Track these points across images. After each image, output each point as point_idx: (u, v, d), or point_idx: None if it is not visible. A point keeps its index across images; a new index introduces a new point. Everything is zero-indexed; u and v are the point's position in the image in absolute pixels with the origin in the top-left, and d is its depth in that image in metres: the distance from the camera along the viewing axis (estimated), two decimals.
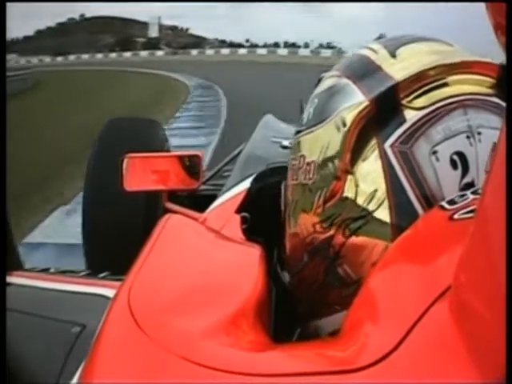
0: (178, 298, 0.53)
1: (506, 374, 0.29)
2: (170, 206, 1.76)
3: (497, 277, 0.31)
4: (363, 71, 0.60)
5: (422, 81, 0.56)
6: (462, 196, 0.50)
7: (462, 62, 0.58)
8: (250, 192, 1.21)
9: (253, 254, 0.65)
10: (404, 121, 0.56)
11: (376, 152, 0.56)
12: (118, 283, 0.60)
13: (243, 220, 1.00)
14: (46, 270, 1.07)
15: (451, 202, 0.49)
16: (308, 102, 0.67)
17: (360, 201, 0.56)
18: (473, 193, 0.49)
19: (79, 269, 1.42)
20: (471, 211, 0.44)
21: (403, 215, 0.54)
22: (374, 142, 0.56)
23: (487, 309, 0.32)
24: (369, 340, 0.40)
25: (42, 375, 0.70)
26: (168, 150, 2.34)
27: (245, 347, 0.46)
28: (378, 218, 0.55)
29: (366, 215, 0.56)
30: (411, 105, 0.56)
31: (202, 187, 1.75)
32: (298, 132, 0.67)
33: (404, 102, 0.56)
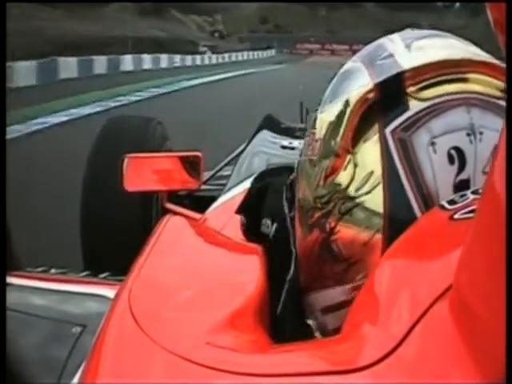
0: (179, 298, 0.53)
1: (506, 374, 0.29)
2: (169, 206, 1.76)
3: (497, 277, 0.31)
4: (375, 57, 0.62)
5: (429, 73, 0.57)
6: (463, 196, 0.50)
7: (473, 60, 0.58)
8: (250, 192, 1.21)
9: (253, 254, 0.65)
10: (407, 109, 0.56)
11: (376, 136, 0.57)
12: (118, 284, 0.61)
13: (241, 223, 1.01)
14: (46, 271, 1.07)
15: (451, 202, 0.49)
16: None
17: (356, 181, 0.57)
18: (473, 192, 0.49)
19: (79, 269, 1.42)
20: (471, 211, 0.44)
21: (395, 201, 0.55)
22: (375, 125, 0.57)
23: (487, 309, 0.32)
24: (369, 340, 0.40)
25: (42, 375, 0.70)
26: (169, 149, 2.34)
27: (245, 347, 0.46)
28: (371, 201, 0.56)
29: (360, 195, 0.57)
30: (416, 95, 0.56)
31: (202, 187, 1.75)
32: (315, 111, 0.69)
33: (409, 91, 0.57)
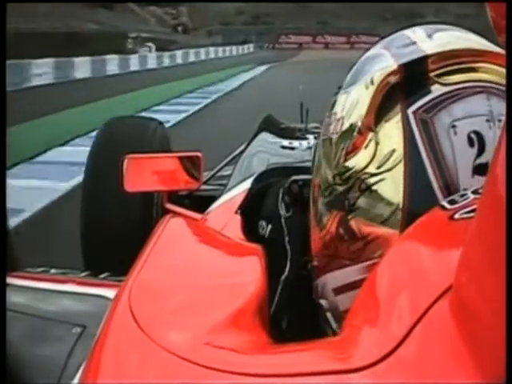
0: (179, 298, 0.53)
1: (506, 374, 0.29)
2: (170, 206, 1.76)
3: (497, 277, 0.31)
4: (399, 44, 0.64)
5: (451, 59, 0.59)
6: (463, 196, 0.50)
7: (493, 52, 0.60)
8: (250, 192, 1.21)
9: (253, 254, 0.65)
10: (429, 92, 0.58)
11: (399, 115, 0.59)
12: (118, 284, 0.61)
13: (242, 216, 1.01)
14: (46, 271, 1.07)
15: (452, 202, 0.49)
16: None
17: (377, 159, 0.59)
18: (473, 192, 0.49)
19: (79, 269, 1.42)
20: (472, 211, 0.45)
21: (416, 179, 0.57)
22: (398, 105, 0.59)
23: (487, 309, 0.32)
24: (369, 340, 0.40)
25: (42, 376, 0.70)
26: (169, 150, 2.34)
27: (245, 347, 0.46)
28: (392, 178, 0.58)
29: (381, 173, 0.59)
30: (439, 79, 0.59)
31: (202, 187, 1.75)
32: (336, 94, 0.71)
33: (432, 75, 0.59)
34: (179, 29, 47.45)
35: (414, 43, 0.63)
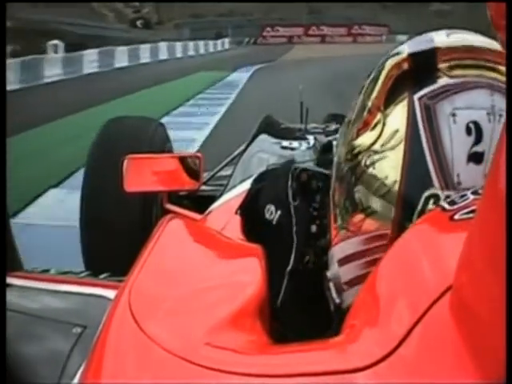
0: (179, 298, 0.53)
1: (506, 374, 0.29)
2: (169, 207, 1.76)
3: (497, 277, 0.31)
4: (419, 41, 0.69)
5: (460, 54, 0.63)
6: (463, 196, 0.50)
7: (503, 53, 0.60)
8: (250, 193, 1.21)
9: (253, 255, 0.65)
10: (436, 82, 0.62)
11: (406, 100, 0.63)
12: (118, 284, 0.61)
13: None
14: (46, 271, 1.07)
15: (452, 203, 0.49)
16: None
17: (382, 138, 0.64)
18: (473, 193, 0.50)
19: (80, 269, 1.42)
20: (471, 211, 0.45)
21: (414, 159, 0.61)
22: (406, 91, 0.63)
23: (487, 309, 0.32)
24: (370, 340, 0.40)
25: (42, 376, 0.70)
26: (169, 150, 2.34)
27: (245, 347, 0.46)
28: (393, 157, 0.62)
29: (384, 151, 0.63)
30: (446, 72, 0.63)
31: (202, 188, 1.75)
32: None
33: (440, 66, 0.63)
34: (139, 23, 38.85)
35: (432, 40, 0.66)
